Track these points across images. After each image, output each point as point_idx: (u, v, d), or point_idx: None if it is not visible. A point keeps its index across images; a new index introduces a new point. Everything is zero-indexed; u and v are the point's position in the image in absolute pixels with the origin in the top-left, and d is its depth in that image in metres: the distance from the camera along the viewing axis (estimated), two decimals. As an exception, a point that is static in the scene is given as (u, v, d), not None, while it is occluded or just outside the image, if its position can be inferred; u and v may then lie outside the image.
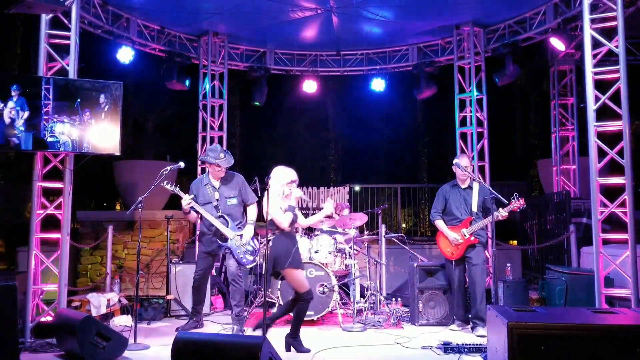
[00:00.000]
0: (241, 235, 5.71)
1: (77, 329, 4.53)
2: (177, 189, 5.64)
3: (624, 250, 5.39)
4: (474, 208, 5.89)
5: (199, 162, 8.87)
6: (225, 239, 5.68)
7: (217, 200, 5.76)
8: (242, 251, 5.69)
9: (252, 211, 5.90)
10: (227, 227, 5.69)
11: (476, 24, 8.55)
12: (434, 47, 9.42)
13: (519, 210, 5.63)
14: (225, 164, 5.79)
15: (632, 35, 8.87)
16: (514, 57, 8.25)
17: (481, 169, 8.45)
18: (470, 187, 5.99)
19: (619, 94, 5.45)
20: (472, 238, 5.79)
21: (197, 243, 8.73)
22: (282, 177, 4.94)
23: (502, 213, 5.58)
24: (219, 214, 5.70)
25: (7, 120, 5.31)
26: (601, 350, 3.04)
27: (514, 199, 5.53)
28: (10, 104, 5.33)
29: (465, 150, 8.60)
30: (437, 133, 15.84)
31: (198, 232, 5.92)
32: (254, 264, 5.90)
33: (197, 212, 5.75)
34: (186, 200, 5.58)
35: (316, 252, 6.49)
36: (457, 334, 5.72)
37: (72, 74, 5.73)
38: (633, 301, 5.19)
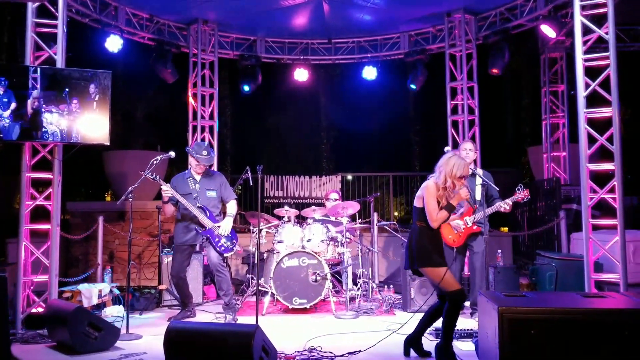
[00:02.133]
0: (219, 226, 5.76)
1: (69, 319, 4.52)
2: (158, 177, 5.62)
3: (613, 236, 5.44)
4: (477, 197, 5.81)
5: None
6: (204, 227, 5.72)
7: (198, 191, 5.79)
8: (220, 239, 5.73)
9: (231, 206, 5.96)
10: (206, 217, 5.72)
11: (467, 11, 8.54)
12: (425, 34, 9.40)
13: (523, 201, 5.54)
14: (204, 161, 5.81)
15: (622, 22, 8.89)
16: (505, 44, 8.25)
17: (472, 157, 8.45)
18: (473, 175, 5.78)
19: (609, 81, 5.47)
20: (475, 227, 5.76)
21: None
22: (454, 169, 4.18)
23: (504, 206, 5.49)
24: (198, 205, 5.72)
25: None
26: (590, 334, 3.07)
27: (518, 189, 5.36)
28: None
29: (457, 138, 8.60)
30: (428, 121, 15.82)
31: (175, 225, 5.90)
32: (232, 252, 5.90)
33: (175, 205, 5.79)
34: (167, 189, 5.58)
35: (308, 240, 6.50)
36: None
37: (60, 63, 5.66)
38: (622, 285, 5.25)
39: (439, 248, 4.28)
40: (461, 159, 4.25)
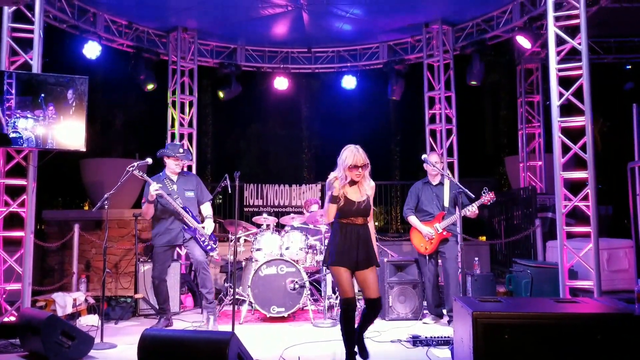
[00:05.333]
0: (203, 227, 5.82)
1: (41, 328, 4.43)
2: (146, 175, 5.60)
3: (588, 244, 5.52)
4: (446, 203, 5.97)
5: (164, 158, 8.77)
6: (189, 227, 5.74)
7: (177, 192, 5.80)
8: (205, 239, 5.80)
9: (207, 208, 6.01)
10: (191, 217, 5.76)
11: (445, 22, 8.65)
12: (403, 45, 9.50)
13: (489, 203, 5.71)
14: (184, 158, 5.91)
15: (596, 34, 9.08)
16: (482, 55, 8.39)
17: (450, 166, 8.55)
18: (441, 184, 6.09)
19: (582, 90, 5.58)
20: (445, 232, 5.86)
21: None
22: (346, 160, 4.16)
23: (472, 209, 5.65)
24: (181, 205, 5.73)
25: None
26: (563, 338, 3.10)
27: (483, 192, 5.60)
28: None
29: (435, 147, 8.69)
30: (408, 131, 15.94)
31: (153, 228, 5.90)
32: (216, 252, 5.94)
33: (156, 205, 5.74)
34: (154, 187, 5.53)
35: (287, 248, 6.48)
36: (429, 328, 5.79)
37: (36, 68, 5.60)
38: (595, 292, 5.32)
39: (340, 246, 4.16)
40: (355, 148, 4.20)
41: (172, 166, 5.84)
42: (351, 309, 4.13)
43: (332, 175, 4.23)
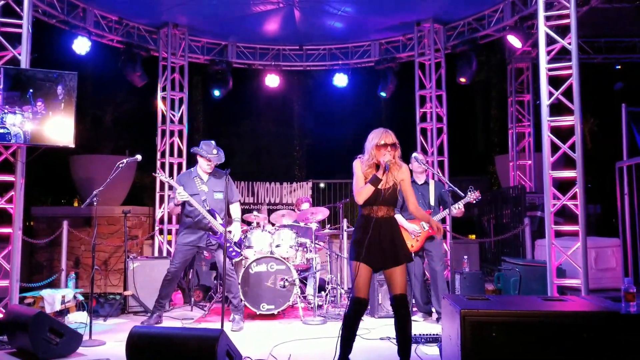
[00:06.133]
0: (230, 232, 5.72)
1: (29, 325, 4.40)
2: (172, 180, 5.58)
3: (576, 242, 5.56)
4: (432, 202, 6.02)
5: (158, 156, 8.73)
6: (215, 232, 5.67)
7: (206, 193, 5.72)
8: (230, 244, 5.72)
9: (236, 209, 5.91)
10: (216, 220, 5.67)
11: (436, 21, 8.67)
12: (395, 43, 9.51)
13: (475, 202, 5.76)
14: (216, 160, 5.78)
15: (586, 34, 9.14)
16: (473, 54, 8.41)
17: (440, 164, 8.57)
18: (426, 183, 6.13)
19: (571, 90, 5.62)
20: (431, 230, 5.91)
21: (158, 237, 8.61)
22: (373, 140, 3.93)
23: (458, 206, 5.71)
24: (207, 207, 5.66)
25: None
26: (550, 336, 3.13)
27: (469, 191, 5.66)
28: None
29: (426, 145, 8.71)
30: (399, 129, 15.94)
31: (179, 224, 5.90)
32: (241, 257, 5.94)
33: (183, 205, 5.70)
34: (181, 193, 5.49)
35: (277, 246, 6.47)
36: (418, 325, 5.81)
37: (24, 63, 5.54)
38: (583, 290, 5.37)
39: (358, 241, 3.87)
40: (383, 129, 3.98)
41: (204, 166, 5.77)
42: (359, 310, 3.88)
43: (358, 160, 4.02)
